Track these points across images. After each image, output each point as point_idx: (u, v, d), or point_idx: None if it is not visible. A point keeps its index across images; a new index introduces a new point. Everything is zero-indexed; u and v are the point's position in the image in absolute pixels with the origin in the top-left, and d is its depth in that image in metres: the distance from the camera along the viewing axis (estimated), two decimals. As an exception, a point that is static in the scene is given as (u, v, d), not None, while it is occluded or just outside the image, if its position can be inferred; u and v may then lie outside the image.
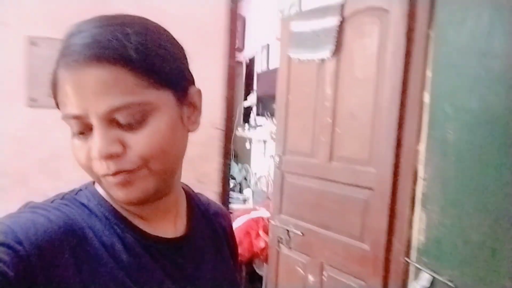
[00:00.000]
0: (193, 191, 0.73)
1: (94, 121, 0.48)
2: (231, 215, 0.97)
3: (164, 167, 0.53)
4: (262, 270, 3.01)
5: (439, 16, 1.70)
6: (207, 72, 1.38)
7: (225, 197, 1.43)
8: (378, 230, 1.86)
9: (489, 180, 1.41)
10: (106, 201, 0.57)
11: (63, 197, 0.57)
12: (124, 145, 0.49)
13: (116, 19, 0.52)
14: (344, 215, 2.01)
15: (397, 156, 1.82)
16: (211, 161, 1.40)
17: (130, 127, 0.49)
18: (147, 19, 0.57)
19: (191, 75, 0.61)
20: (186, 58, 0.61)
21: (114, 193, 0.52)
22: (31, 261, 0.44)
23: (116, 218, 0.56)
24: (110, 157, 0.48)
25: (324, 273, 2.12)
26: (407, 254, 1.79)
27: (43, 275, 0.45)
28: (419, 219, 1.76)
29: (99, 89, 0.46)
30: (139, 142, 0.50)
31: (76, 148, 0.51)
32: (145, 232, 0.57)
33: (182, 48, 0.60)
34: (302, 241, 2.24)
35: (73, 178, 1.22)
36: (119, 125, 0.49)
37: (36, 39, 1.15)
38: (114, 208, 0.56)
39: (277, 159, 2.37)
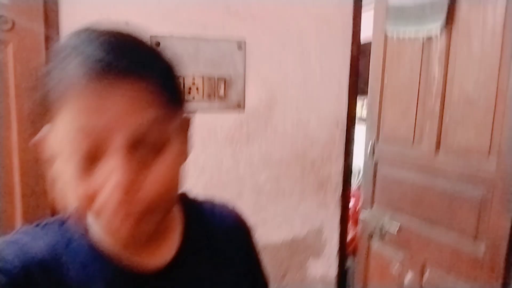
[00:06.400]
0: (195, 201, 0.67)
1: (117, 142, 0.42)
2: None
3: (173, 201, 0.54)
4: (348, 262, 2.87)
5: None
6: (331, 64, 1.21)
7: (346, 203, 1.28)
8: (498, 230, 1.65)
9: None
10: (88, 230, 0.55)
11: (53, 221, 0.56)
12: (143, 174, 0.45)
13: (123, 34, 0.47)
14: (454, 212, 1.81)
15: (526, 148, 1.58)
16: (333, 163, 1.25)
17: (153, 149, 0.45)
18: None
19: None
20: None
21: (115, 228, 0.46)
22: (14, 282, 0.45)
23: (97, 248, 0.54)
24: (131, 187, 0.43)
25: (425, 273, 1.95)
26: (536, 259, 1.58)
27: None
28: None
29: (128, 105, 0.42)
30: (160, 170, 0.46)
31: (71, 180, 0.44)
32: (125, 264, 0.54)
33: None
34: (397, 236, 2.07)
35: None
36: (140, 149, 0.44)
37: (159, 38, 1.03)
38: (94, 236, 0.54)
39: (369, 147, 2.19)
